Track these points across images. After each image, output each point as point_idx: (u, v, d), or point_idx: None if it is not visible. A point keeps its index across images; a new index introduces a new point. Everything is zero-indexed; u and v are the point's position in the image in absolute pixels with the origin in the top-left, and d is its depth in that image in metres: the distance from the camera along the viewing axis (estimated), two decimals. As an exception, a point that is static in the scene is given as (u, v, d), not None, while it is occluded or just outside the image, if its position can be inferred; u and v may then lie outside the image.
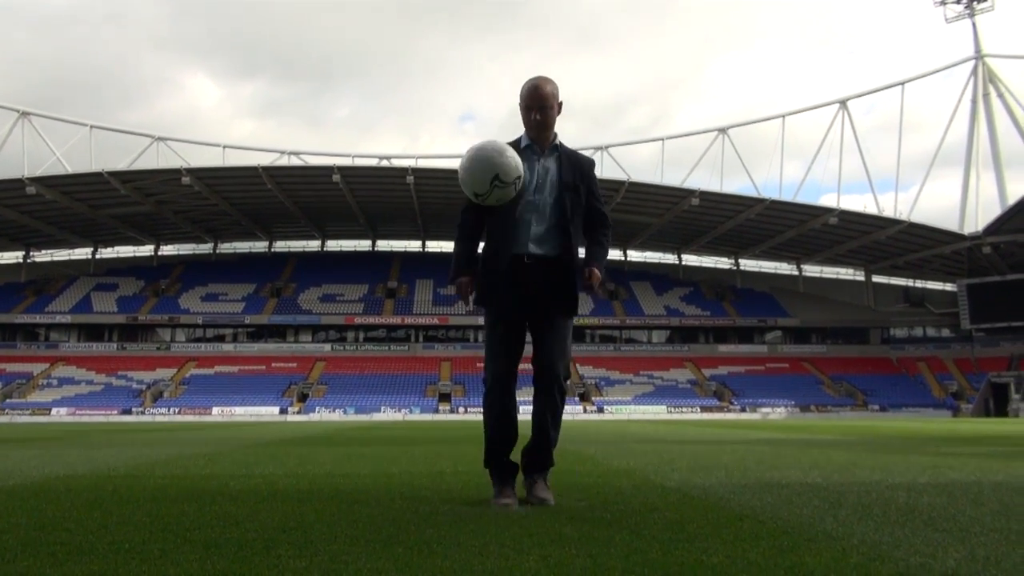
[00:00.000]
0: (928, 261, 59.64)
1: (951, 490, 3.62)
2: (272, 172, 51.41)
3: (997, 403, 54.83)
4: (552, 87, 3.18)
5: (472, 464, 4.87)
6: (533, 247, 3.16)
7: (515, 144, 3.20)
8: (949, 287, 62.06)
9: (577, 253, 3.24)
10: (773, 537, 2.33)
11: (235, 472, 4.59)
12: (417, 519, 2.66)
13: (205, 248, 68.53)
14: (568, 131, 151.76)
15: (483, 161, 2.99)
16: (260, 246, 69.49)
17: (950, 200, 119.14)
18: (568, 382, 3.18)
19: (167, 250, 68.38)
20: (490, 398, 3.19)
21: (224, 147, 58.29)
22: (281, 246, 70.31)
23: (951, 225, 56.23)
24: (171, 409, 48.92)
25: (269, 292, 63.12)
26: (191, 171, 50.05)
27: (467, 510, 2.92)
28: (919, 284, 64.63)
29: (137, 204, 54.18)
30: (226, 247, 69.30)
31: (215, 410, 48.88)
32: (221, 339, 60.62)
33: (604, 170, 57.80)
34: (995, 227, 52.41)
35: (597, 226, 3.31)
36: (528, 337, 3.25)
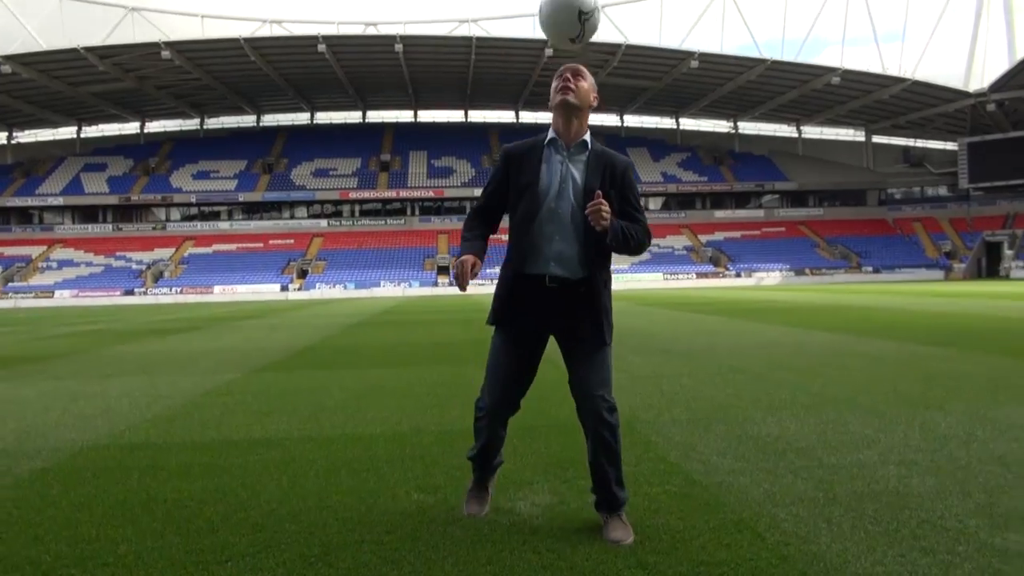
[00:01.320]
0: (930, 120, 58.45)
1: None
2: (255, 43, 49.34)
3: (990, 262, 55.50)
4: (589, 80, 2.77)
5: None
6: (555, 267, 2.68)
7: (540, 139, 2.80)
8: (950, 146, 61.14)
9: (604, 275, 2.77)
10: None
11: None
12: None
13: (192, 124, 66.87)
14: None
15: (559, 9, 2.72)
16: (248, 120, 67.78)
17: (959, 55, 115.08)
18: (616, 415, 2.73)
19: (153, 127, 66.74)
20: (481, 424, 2.93)
21: (202, 17, 55.68)
22: (270, 120, 68.58)
23: (956, 83, 54.70)
24: (173, 289, 49.45)
25: (261, 168, 62.22)
26: (171, 44, 48.00)
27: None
28: (920, 144, 63.63)
29: (117, 80, 52.36)
30: (214, 122, 67.60)
31: (217, 288, 49.45)
32: (216, 217, 60.35)
33: (600, 33, 55.48)
34: (1002, 83, 50.99)
35: (635, 224, 2.75)
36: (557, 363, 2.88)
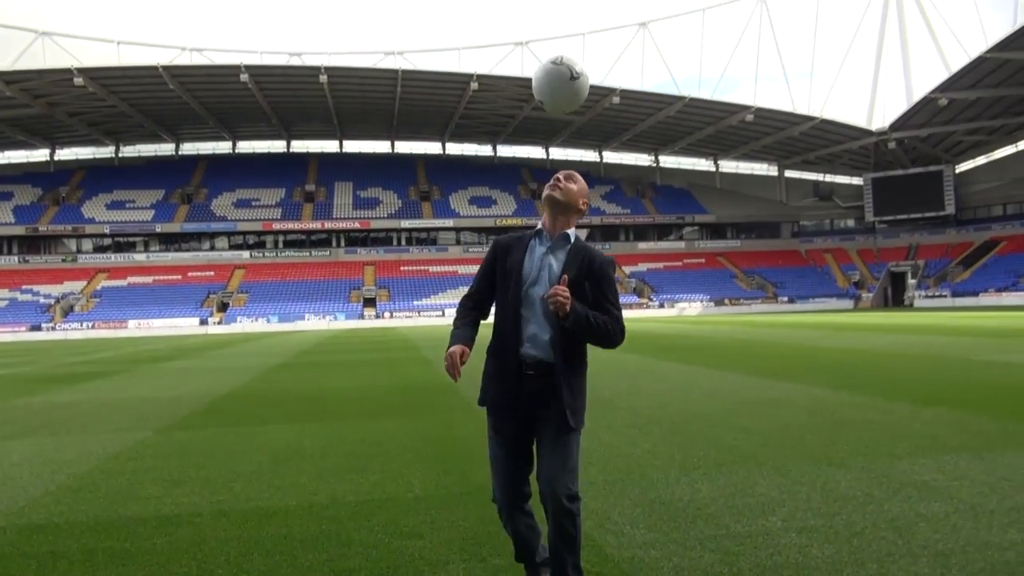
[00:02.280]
0: (838, 156, 61.52)
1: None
2: (174, 71, 48.26)
3: (895, 291, 58.42)
4: (580, 184, 2.87)
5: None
6: (528, 348, 2.76)
7: (530, 232, 2.91)
8: (856, 181, 64.41)
9: (574, 360, 2.80)
10: None
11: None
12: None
13: (107, 152, 64.68)
14: (488, 23, 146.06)
15: (544, 71, 2.89)
16: (167, 149, 65.99)
17: (863, 94, 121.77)
18: (577, 504, 2.72)
19: (64, 154, 64.21)
20: (503, 517, 2.90)
21: (119, 43, 54.14)
22: (189, 148, 66.94)
23: (860, 121, 57.83)
24: (84, 323, 47.34)
25: (180, 198, 60.53)
26: (84, 71, 46.47)
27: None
28: (828, 178, 66.80)
29: (25, 107, 50.29)
30: (130, 150, 65.55)
31: (131, 323, 47.60)
32: (131, 248, 58.26)
33: (525, 68, 56.61)
34: (901, 122, 54.18)
35: (601, 311, 2.78)
36: None
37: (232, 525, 3.97)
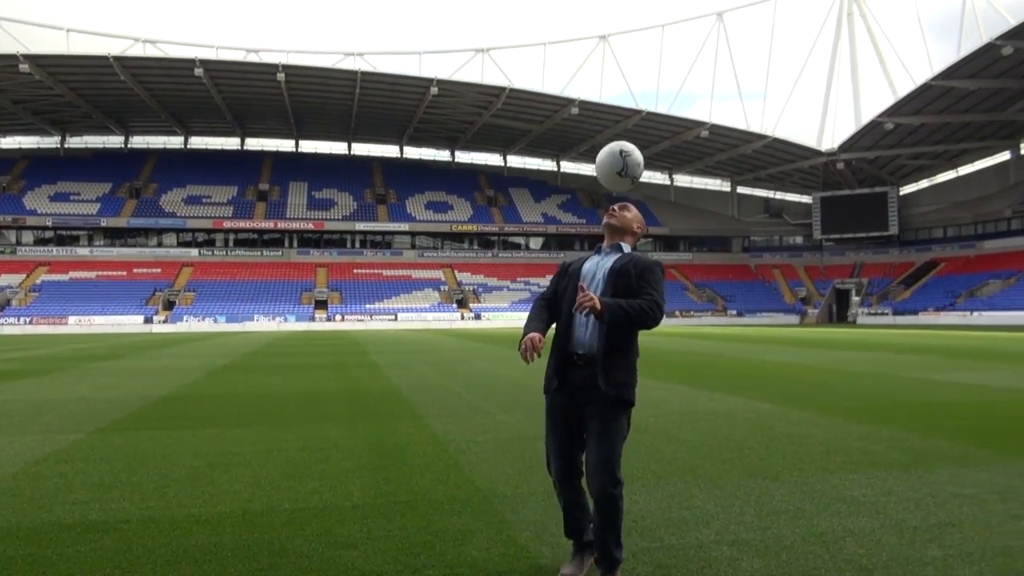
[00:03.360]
0: (788, 174, 62.98)
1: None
2: (126, 62, 47.14)
3: (840, 308, 59.96)
4: (633, 212, 3.40)
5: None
6: (576, 342, 3.20)
7: (595, 251, 3.41)
8: (805, 199, 66.01)
9: (616, 350, 3.12)
10: None
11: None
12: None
13: (52, 142, 62.76)
14: (450, 29, 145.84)
15: (608, 148, 3.39)
16: (115, 141, 64.34)
17: (814, 115, 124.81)
18: (619, 488, 3.10)
19: (6, 143, 62.12)
20: (557, 490, 3.29)
21: (68, 31, 52.61)
22: (139, 142, 65.39)
23: (811, 141, 59.32)
24: (21, 319, 45.76)
25: (128, 192, 59.05)
26: (30, 58, 45.07)
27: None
28: (779, 196, 68.34)
29: (-34, 92, 48.64)
30: (76, 141, 63.73)
31: (72, 319, 46.21)
32: (75, 242, 56.59)
33: (485, 75, 56.69)
34: (849, 144, 55.75)
35: (640, 297, 3.10)
36: None
37: (161, 532, 3.88)
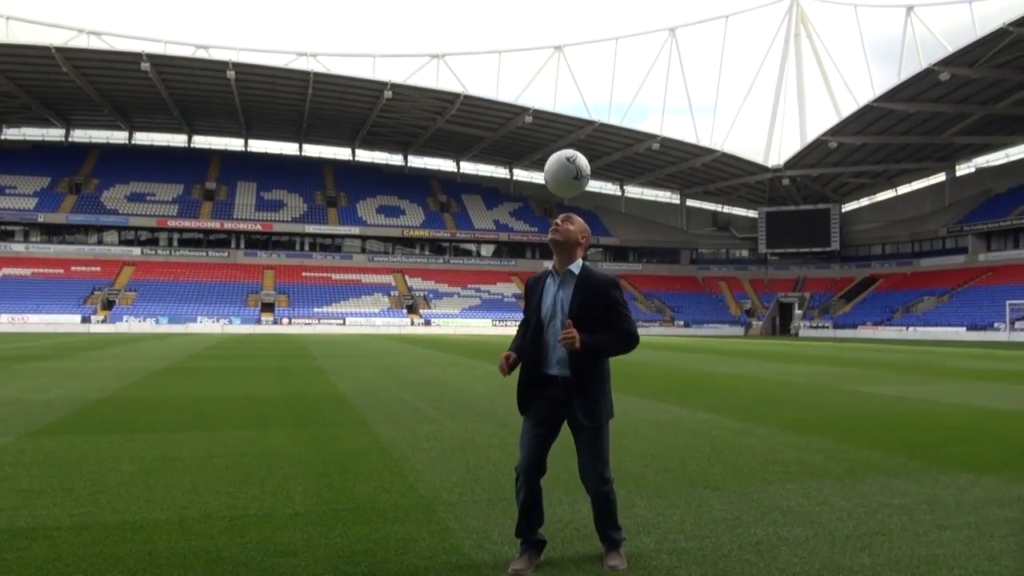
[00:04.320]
0: (736, 189, 64.37)
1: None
2: (68, 54, 45.80)
3: (783, 320, 61.41)
4: (578, 223, 3.46)
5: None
6: (557, 368, 3.41)
7: (548, 271, 3.52)
8: (751, 214, 67.55)
9: (588, 373, 3.38)
10: None
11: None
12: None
13: (-14, 133, 60.54)
14: (405, 33, 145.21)
15: (554, 158, 3.47)
16: (55, 134, 62.37)
17: (761, 132, 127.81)
18: (609, 485, 3.46)
19: (-63, 132, 59.74)
20: (517, 486, 3.47)
21: (8, 19, 50.81)
22: (81, 136, 63.49)
23: (758, 157, 60.74)
24: (-51, 316, 43.93)
25: (67, 187, 57.28)
26: (-35, 45, 43.46)
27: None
28: (726, 210, 69.79)
29: None
30: (14, 133, 61.60)
31: (4, 317, 44.55)
32: (9, 237, 54.59)
33: (440, 81, 56.65)
34: (795, 161, 57.28)
35: (614, 331, 3.36)
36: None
37: (93, 540, 3.76)
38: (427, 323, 51.63)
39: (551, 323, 3.41)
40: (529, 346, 3.47)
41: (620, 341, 3.37)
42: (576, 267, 3.43)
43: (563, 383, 3.38)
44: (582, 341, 3.24)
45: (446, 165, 69.26)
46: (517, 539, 3.51)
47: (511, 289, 58.80)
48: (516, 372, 3.57)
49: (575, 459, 3.63)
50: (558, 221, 3.46)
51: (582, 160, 3.46)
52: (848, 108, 52.16)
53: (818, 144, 53.24)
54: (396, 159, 68.84)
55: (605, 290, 3.37)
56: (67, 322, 45.08)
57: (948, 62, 41.87)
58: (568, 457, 3.96)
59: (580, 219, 3.49)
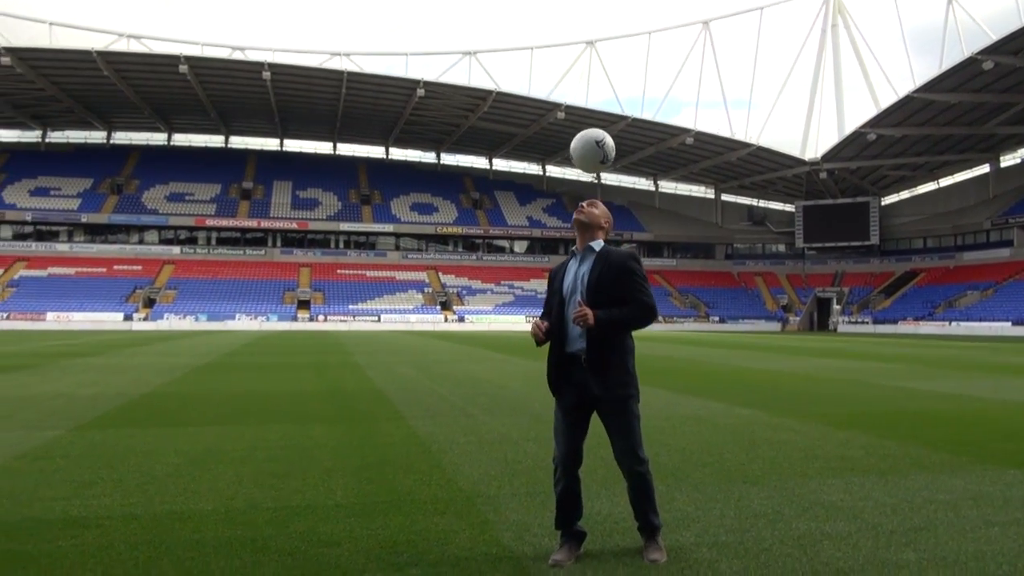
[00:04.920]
0: (772, 183, 63.52)
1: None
2: (109, 58, 46.78)
3: (820, 316, 60.48)
4: (601, 208, 3.58)
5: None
6: (572, 345, 3.46)
7: (570, 256, 3.63)
8: (788, 208, 66.60)
9: (610, 347, 3.43)
10: None
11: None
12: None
13: (32, 136, 62.15)
14: (437, 31, 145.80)
15: (582, 138, 3.58)
16: (97, 136, 63.79)
17: (798, 124, 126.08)
18: (645, 466, 3.49)
19: (-14, 136, 61.46)
20: (556, 477, 3.53)
21: (51, 24, 52.04)
22: (122, 138, 64.85)
23: (794, 150, 59.87)
24: (-1, 314, 45.21)
25: (109, 188, 58.55)
26: (12, 50, 44.67)
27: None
28: (762, 204, 68.92)
29: (-54, 84, 48.05)
30: (58, 136, 63.13)
31: (50, 315, 45.71)
32: (54, 237, 56.01)
33: (472, 78, 56.76)
34: (832, 154, 56.33)
35: (629, 303, 3.39)
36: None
37: (143, 529, 3.87)
38: (461, 319, 51.85)
39: (571, 299, 3.46)
40: (554, 326, 3.53)
41: (636, 313, 3.38)
42: (597, 245, 3.51)
43: (586, 363, 3.43)
44: (596, 317, 3.29)
45: (479, 162, 69.43)
46: (557, 531, 3.53)
47: (544, 285, 58.61)
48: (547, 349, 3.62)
49: (610, 451, 3.65)
50: (583, 205, 3.56)
51: (610, 145, 3.56)
52: (887, 100, 51.16)
53: (856, 136, 52.29)
54: (429, 157, 69.18)
55: (623, 261, 3.43)
56: (110, 320, 46.13)
57: (991, 50, 40.81)
58: (604, 449, 3.97)
59: (603, 206, 3.61)
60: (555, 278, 3.61)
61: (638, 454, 3.47)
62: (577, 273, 3.48)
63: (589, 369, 3.39)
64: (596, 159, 3.55)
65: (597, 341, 3.39)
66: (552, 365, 3.54)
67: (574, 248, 3.59)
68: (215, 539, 3.71)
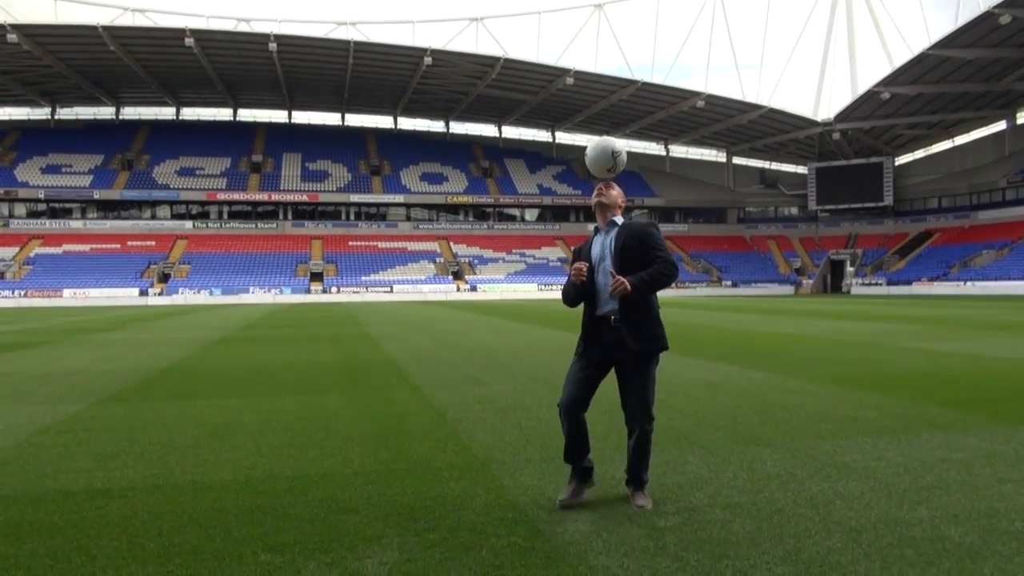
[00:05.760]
0: (784, 145, 62.81)
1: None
2: (115, 32, 46.54)
3: (834, 279, 60.17)
4: (617, 190, 3.90)
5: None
6: (604, 307, 3.76)
7: (593, 233, 3.94)
8: (800, 170, 65.92)
9: (639, 308, 3.71)
10: None
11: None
12: None
13: (42, 113, 62.17)
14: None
15: (600, 145, 3.86)
16: (106, 112, 63.75)
17: (810, 85, 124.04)
18: (652, 424, 3.79)
19: (-5, 114, 61.56)
20: (561, 418, 3.81)
21: (56, -1, 51.80)
22: (130, 113, 64.79)
23: (807, 111, 59.06)
24: (15, 292, 45.71)
25: (120, 164, 58.67)
26: (18, 27, 44.53)
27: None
28: (774, 167, 68.22)
29: (-46, 63, 48.04)
30: (67, 112, 63.13)
31: (67, 292, 46.19)
32: (68, 214, 56.34)
33: (480, 45, 56.11)
34: (846, 114, 55.54)
35: (654, 263, 3.66)
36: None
37: (165, 499, 3.95)
38: (473, 289, 51.94)
39: (600, 265, 3.79)
40: (589, 292, 3.82)
41: (663, 270, 3.65)
42: (618, 219, 3.88)
43: (616, 322, 3.72)
44: (631, 283, 3.58)
45: (488, 130, 68.96)
46: (567, 465, 3.86)
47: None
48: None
49: (622, 417, 3.79)
50: (602, 187, 3.88)
51: (623, 160, 3.85)
52: (902, 57, 50.22)
53: (870, 96, 51.49)
54: (438, 126, 68.78)
55: (644, 229, 3.78)
56: (125, 295, 46.55)
57: (1009, 3, 39.88)
58: (618, 414, 4.00)
59: (618, 187, 3.96)
60: (581, 252, 3.92)
61: (651, 412, 3.77)
62: (604, 243, 3.82)
63: (625, 325, 3.68)
64: (605, 166, 3.84)
65: (627, 301, 3.69)
66: (586, 325, 3.83)
67: (596, 225, 3.94)
68: (236, 507, 3.79)
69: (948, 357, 10.28)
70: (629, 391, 3.78)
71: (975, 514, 3.55)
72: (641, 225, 3.81)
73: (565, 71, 51.57)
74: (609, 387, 3.98)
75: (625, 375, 3.78)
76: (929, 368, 9.16)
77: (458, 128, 68.80)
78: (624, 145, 3.93)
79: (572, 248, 4.36)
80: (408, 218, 61.26)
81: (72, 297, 45.77)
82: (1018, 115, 56.88)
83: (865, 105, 53.54)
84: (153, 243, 54.45)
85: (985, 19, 41.29)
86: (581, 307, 3.90)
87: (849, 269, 59.55)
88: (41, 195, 54.79)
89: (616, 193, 3.91)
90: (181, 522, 3.57)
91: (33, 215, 55.66)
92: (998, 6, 40.19)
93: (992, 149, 58.23)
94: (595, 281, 3.78)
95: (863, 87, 53.72)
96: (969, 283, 47.56)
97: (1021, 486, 3.99)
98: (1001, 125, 57.76)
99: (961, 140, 60.73)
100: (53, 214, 55.98)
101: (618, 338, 3.70)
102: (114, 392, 7.84)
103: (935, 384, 7.80)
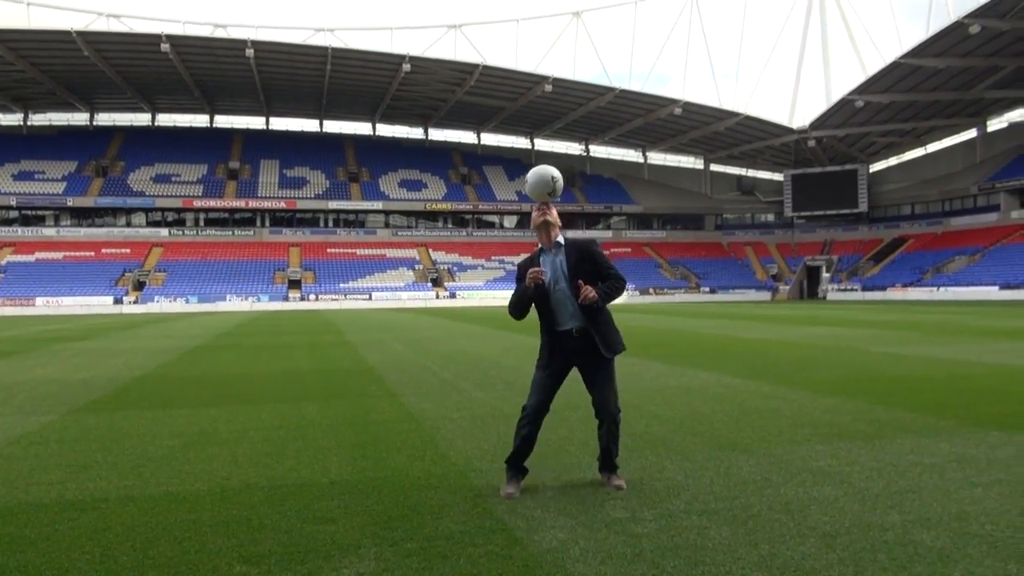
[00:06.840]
0: (760, 152, 63.44)
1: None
2: (89, 37, 46.01)
3: (810, 284, 60.78)
4: (555, 212, 4.21)
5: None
6: (572, 322, 4.13)
7: (535, 252, 4.24)
8: (777, 177, 66.57)
9: (599, 316, 4.15)
10: None
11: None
12: None
13: (14, 119, 61.22)
14: (421, 3, 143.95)
15: (538, 172, 4.20)
16: (80, 118, 62.94)
17: (785, 93, 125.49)
18: (620, 414, 4.23)
19: (-34, 120, 60.53)
20: (522, 423, 4.16)
21: (28, 4, 51.14)
22: (105, 119, 64.03)
23: (782, 119, 59.71)
24: (-14, 300, 44.88)
25: (94, 171, 57.93)
26: (-11, 32, 43.87)
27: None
28: (751, 173, 68.84)
29: (-76, 68, 47.23)
30: (40, 119, 62.26)
31: (39, 300, 45.47)
32: (40, 222, 55.49)
33: (458, 52, 56.17)
34: (820, 122, 56.23)
35: (608, 280, 4.13)
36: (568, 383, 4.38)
37: (139, 511, 3.91)
38: (452, 296, 51.84)
39: (556, 287, 4.13)
40: (546, 311, 4.18)
41: (616, 284, 4.15)
42: (560, 239, 4.22)
43: (577, 334, 4.12)
44: (598, 293, 4.02)
45: (467, 137, 68.97)
46: (504, 465, 4.23)
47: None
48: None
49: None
50: (545, 207, 4.19)
51: (560, 185, 4.20)
52: (875, 66, 50.91)
53: (844, 104, 52.18)
54: (416, 133, 68.67)
55: (590, 248, 4.21)
56: (100, 304, 45.91)
57: (978, 14, 40.65)
58: (595, 422, 4.02)
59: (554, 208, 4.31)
60: (526, 270, 4.16)
61: (617, 403, 4.22)
62: (554, 264, 4.15)
63: (596, 336, 4.10)
64: (546, 191, 4.17)
65: (592, 314, 4.10)
66: (547, 343, 4.21)
67: (540, 247, 4.22)
68: (211, 519, 3.75)
69: (921, 362, 10.43)
70: (601, 389, 4.19)
71: (947, 517, 3.60)
72: (585, 243, 4.22)
73: (543, 78, 51.76)
74: (585, 399, 4.00)
75: (595, 376, 4.20)
76: (902, 373, 9.28)
77: (437, 135, 68.74)
78: (560, 174, 4.27)
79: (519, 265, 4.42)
80: (387, 225, 61.05)
81: (45, 306, 45.07)
82: (988, 123, 57.92)
83: (839, 113, 54.25)
84: (128, 251, 53.79)
85: (955, 28, 42.03)
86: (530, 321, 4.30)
87: (825, 275, 60.18)
88: (13, 202, 53.91)
89: (555, 214, 4.24)
90: (155, 534, 3.53)
91: (5, 223, 54.74)
92: (968, 16, 40.94)
93: (963, 157, 59.22)
94: (551, 300, 4.13)
95: (837, 95, 54.44)
96: (942, 288, 48.27)
97: (991, 489, 4.05)
98: (972, 133, 58.76)
99: (933, 148, 61.70)
100: (25, 222, 55.13)
101: (583, 346, 4.13)
102: (87, 402, 7.73)
103: (908, 389, 7.91)
